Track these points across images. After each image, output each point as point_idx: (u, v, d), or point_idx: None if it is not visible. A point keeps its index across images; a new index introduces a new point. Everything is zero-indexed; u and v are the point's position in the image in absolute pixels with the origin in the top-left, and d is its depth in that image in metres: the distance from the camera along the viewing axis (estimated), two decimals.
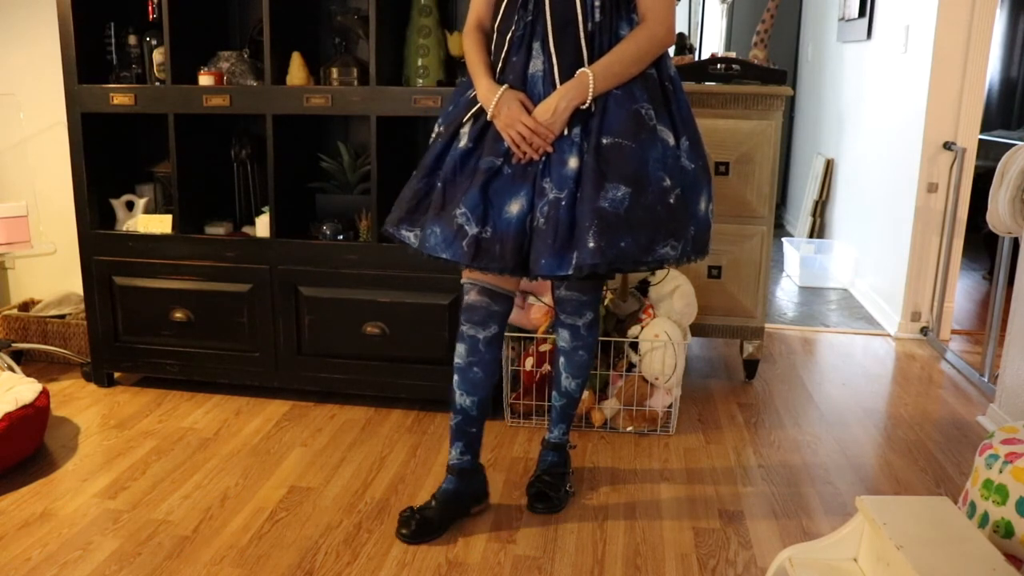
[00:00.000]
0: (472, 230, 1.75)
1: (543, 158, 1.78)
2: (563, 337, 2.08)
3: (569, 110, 1.76)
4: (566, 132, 1.77)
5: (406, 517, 1.96)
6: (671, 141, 1.81)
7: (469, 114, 1.84)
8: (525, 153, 1.78)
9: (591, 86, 1.75)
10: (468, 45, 1.91)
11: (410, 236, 1.87)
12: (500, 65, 1.85)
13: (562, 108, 1.75)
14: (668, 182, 1.77)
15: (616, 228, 1.71)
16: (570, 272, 1.72)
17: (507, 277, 1.87)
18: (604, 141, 1.75)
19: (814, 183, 5.16)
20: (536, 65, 1.81)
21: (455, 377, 1.97)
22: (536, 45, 1.80)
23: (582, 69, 1.76)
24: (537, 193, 1.77)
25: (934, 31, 3.32)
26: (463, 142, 1.83)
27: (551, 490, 2.10)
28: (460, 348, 1.95)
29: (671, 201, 1.77)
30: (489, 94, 1.81)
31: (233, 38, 2.87)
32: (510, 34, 1.83)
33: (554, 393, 2.17)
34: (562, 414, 2.18)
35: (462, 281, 1.94)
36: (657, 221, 1.75)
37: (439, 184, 1.83)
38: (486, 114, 1.81)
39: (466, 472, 2.03)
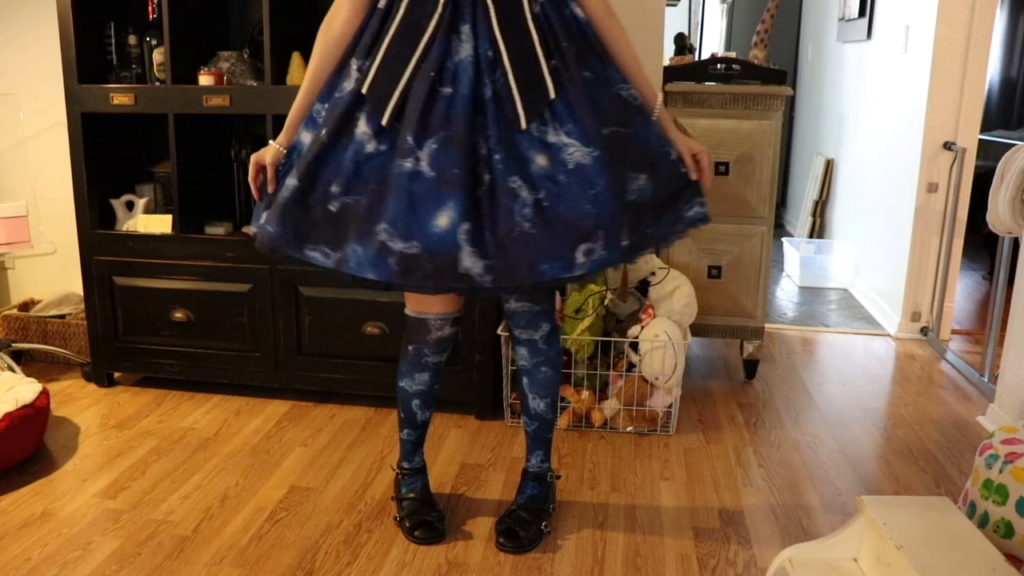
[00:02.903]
0: (396, 246, 1.56)
1: (486, 155, 1.59)
2: (521, 355, 1.91)
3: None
4: (523, 127, 1.59)
5: (421, 520, 1.97)
6: (640, 103, 1.73)
7: (388, 112, 1.61)
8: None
9: (660, 99, 1.76)
10: (318, 46, 1.72)
11: (317, 256, 1.66)
12: (420, 53, 1.61)
13: (675, 129, 1.76)
14: (674, 152, 1.73)
15: (643, 216, 1.66)
16: (584, 272, 1.60)
17: (458, 297, 1.85)
18: (604, 130, 1.63)
19: (814, 183, 5.16)
20: (466, 50, 1.60)
21: (415, 401, 1.95)
22: (465, 29, 1.60)
23: (659, 94, 1.76)
24: (504, 194, 1.57)
25: (934, 31, 3.32)
26: (369, 145, 1.62)
27: (522, 528, 1.92)
28: (423, 376, 1.92)
29: (682, 169, 1.73)
30: (282, 140, 1.73)
31: (233, 38, 2.87)
32: (436, 18, 1.60)
33: (524, 418, 1.99)
34: (536, 439, 2.00)
35: (423, 316, 1.85)
36: (675, 192, 1.71)
37: (351, 196, 1.62)
38: (384, 111, 1.61)
39: (426, 468, 2.09)
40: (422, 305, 1.85)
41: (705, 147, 1.77)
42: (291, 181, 1.68)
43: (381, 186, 1.60)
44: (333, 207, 1.64)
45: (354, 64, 1.68)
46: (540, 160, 1.60)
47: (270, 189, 1.75)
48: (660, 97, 1.76)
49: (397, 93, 1.61)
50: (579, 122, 1.61)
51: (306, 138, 1.74)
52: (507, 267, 1.58)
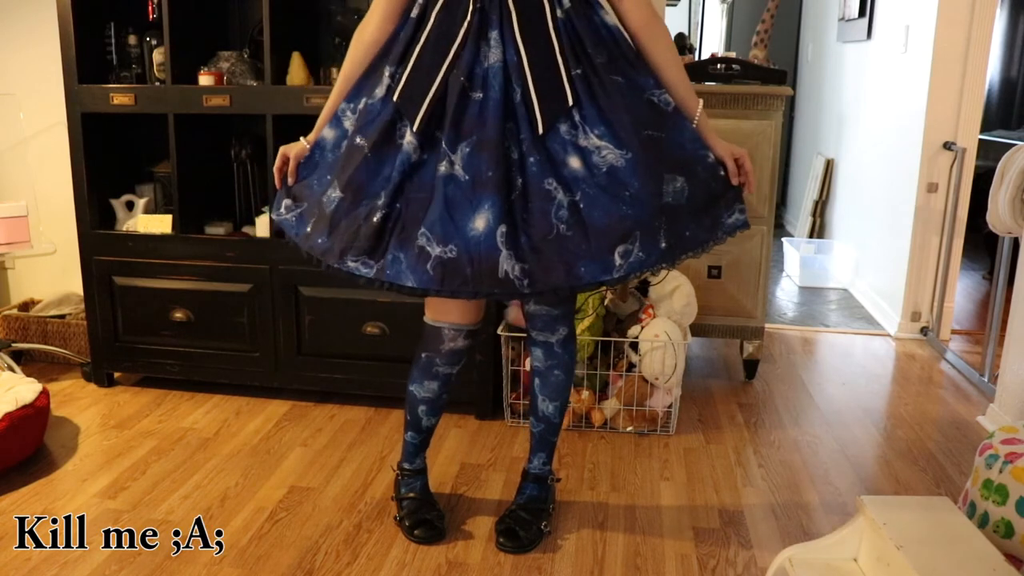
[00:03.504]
0: (435, 251, 1.57)
1: (518, 159, 1.61)
2: (536, 356, 1.92)
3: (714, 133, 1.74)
4: (540, 131, 1.60)
5: (421, 520, 1.97)
6: (672, 108, 1.72)
7: (418, 119, 1.63)
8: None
9: (701, 105, 1.73)
10: (351, 51, 1.75)
11: (359, 267, 1.65)
12: (450, 59, 1.63)
13: (715, 135, 1.74)
14: (712, 156, 1.70)
15: (680, 219, 1.63)
16: (622, 275, 1.59)
17: (481, 309, 1.85)
18: (641, 132, 1.62)
19: (814, 183, 5.16)
20: (495, 56, 1.61)
21: (422, 407, 1.94)
22: (494, 35, 1.62)
23: (700, 101, 1.73)
24: (539, 197, 1.59)
25: (934, 31, 3.32)
26: (415, 155, 1.64)
27: (523, 527, 1.93)
28: (432, 384, 1.90)
29: (721, 173, 1.70)
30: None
31: (233, 38, 2.87)
32: (465, 24, 1.62)
33: (531, 418, 1.99)
34: (541, 442, 2.00)
35: (439, 325, 1.83)
36: (715, 196, 1.68)
37: (396, 205, 1.64)
38: (415, 117, 1.63)
39: (426, 469, 2.09)
40: (439, 313, 1.84)
41: (746, 150, 1.74)
42: (334, 193, 1.69)
43: (425, 194, 1.62)
44: (376, 217, 1.63)
45: (387, 71, 1.70)
46: (573, 163, 1.60)
47: (290, 181, 1.80)
48: (701, 103, 1.74)
49: (428, 99, 1.63)
50: (611, 125, 1.62)
51: (328, 135, 1.77)
52: (545, 271, 1.58)
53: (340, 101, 1.76)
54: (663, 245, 1.61)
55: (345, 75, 1.77)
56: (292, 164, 1.79)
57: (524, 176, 1.60)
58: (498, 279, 1.57)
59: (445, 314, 1.83)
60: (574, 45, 1.64)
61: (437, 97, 1.63)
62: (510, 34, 1.62)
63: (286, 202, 1.80)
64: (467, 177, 1.59)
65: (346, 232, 1.66)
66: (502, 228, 1.56)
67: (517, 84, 1.61)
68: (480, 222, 1.57)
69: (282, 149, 1.81)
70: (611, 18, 1.70)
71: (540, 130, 1.60)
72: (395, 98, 1.66)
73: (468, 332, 1.85)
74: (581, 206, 1.59)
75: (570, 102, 1.61)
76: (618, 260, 1.58)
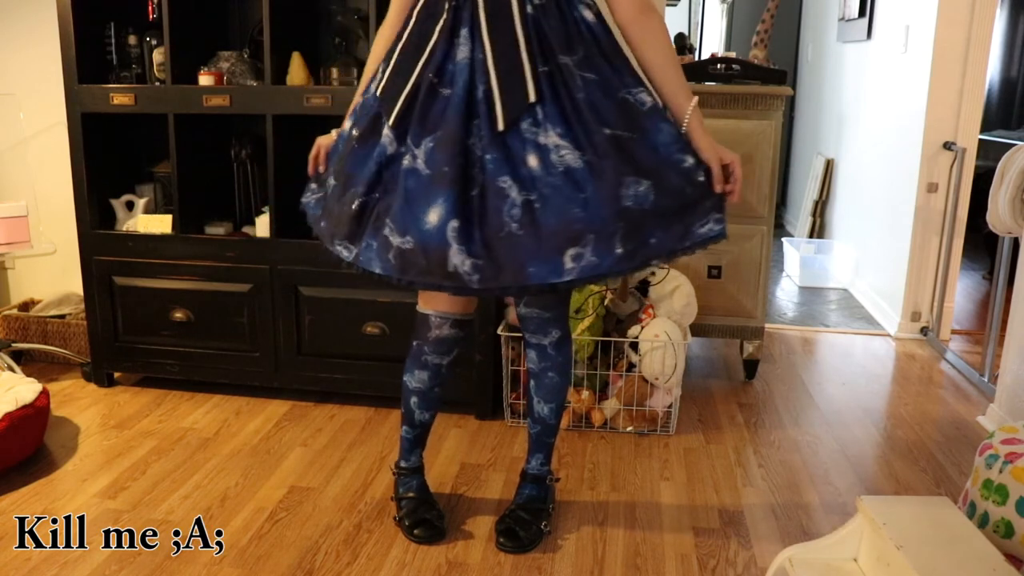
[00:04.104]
0: (395, 241, 1.62)
1: (481, 156, 1.60)
2: (531, 358, 1.93)
3: (707, 132, 1.67)
4: (500, 128, 1.59)
5: (420, 519, 1.97)
6: (669, 115, 1.66)
7: (393, 114, 1.66)
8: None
9: (693, 104, 1.66)
10: (372, 49, 1.85)
11: (342, 251, 1.74)
12: (426, 57, 1.65)
13: (709, 136, 1.66)
14: (691, 160, 1.63)
15: (643, 225, 1.58)
16: (572, 279, 1.58)
17: (471, 300, 1.85)
18: (605, 132, 1.59)
19: (814, 183, 5.16)
20: (462, 53, 1.63)
21: (413, 399, 1.94)
22: (463, 32, 1.63)
23: (695, 98, 1.66)
24: (493, 194, 1.59)
25: (934, 31, 3.32)
26: (391, 147, 1.68)
27: (522, 527, 1.93)
28: (422, 375, 1.91)
29: (700, 178, 1.63)
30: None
31: (233, 38, 2.87)
32: (441, 23, 1.64)
33: (528, 419, 2.01)
34: (538, 443, 2.00)
35: (426, 312, 1.86)
36: (688, 203, 1.62)
37: (375, 195, 1.69)
38: (391, 112, 1.66)
39: (423, 468, 2.08)
40: (427, 301, 1.87)
41: (737, 156, 1.69)
42: (331, 180, 1.79)
43: (396, 185, 1.67)
44: (355, 205, 1.69)
45: (380, 68, 1.76)
46: (532, 161, 1.59)
47: (321, 169, 1.86)
48: (694, 101, 1.67)
49: (403, 95, 1.66)
50: (572, 125, 1.60)
51: (345, 126, 1.83)
52: (495, 268, 1.58)
53: (360, 94, 1.83)
54: (619, 251, 1.58)
55: (366, 70, 1.85)
56: (322, 153, 1.87)
57: (484, 173, 1.60)
58: (448, 272, 1.58)
59: (432, 302, 1.85)
60: (543, 42, 1.62)
61: (412, 93, 1.66)
62: (479, 31, 1.63)
63: (311, 187, 1.89)
64: (427, 171, 1.61)
65: (335, 217, 1.75)
66: (453, 223, 1.57)
67: (481, 81, 1.61)
68: (433, 216, 1.59)
69: (317, 139, 1.88)
70: (591, 13, 1.66)
71: (500, 127, 1.59)
72: (378, 93, 1.71)
73: (455, 321, 1.86)
74: (536, 206, 1.57)
75: (532, 99, 1.59)
76: (568, 263, 1.57)
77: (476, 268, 1.58)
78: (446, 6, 1.64)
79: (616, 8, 1.68)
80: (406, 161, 1.64)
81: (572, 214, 1.56)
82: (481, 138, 1.61)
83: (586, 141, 1.59)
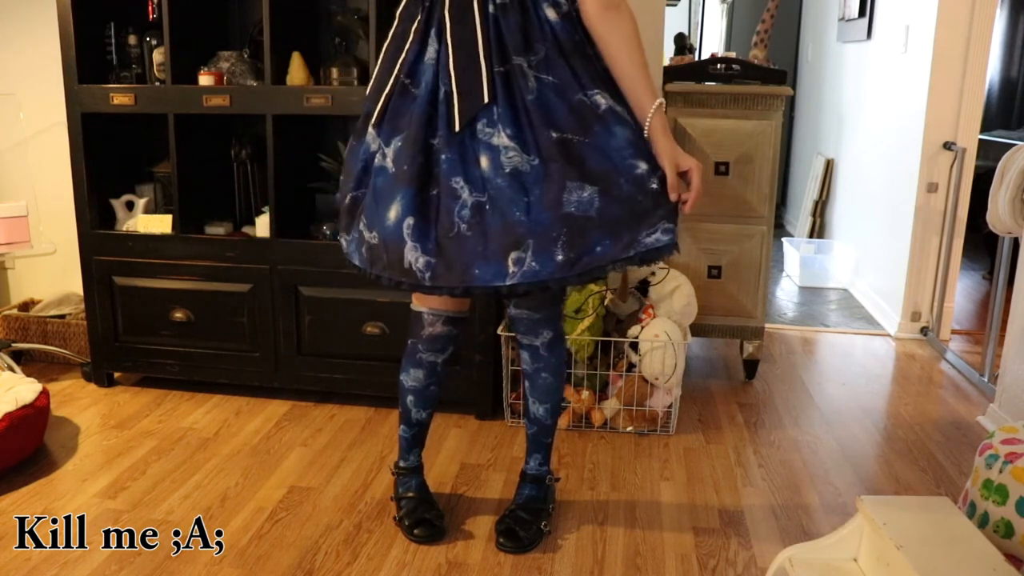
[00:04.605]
0: (366, 236, 1.71)
1: (441, 157, 1.63)
2: (524, 359, 1.92)
3: (670, 136, 1.63)
4: (456, 128, 1.61)
5: (420, 519, 1.96)
6: (628, 118, 1.62)
7: (375, 114, 1.72)
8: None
9: (656, 106, 1.62)
10: None
11: (343, 242, 1.83)
12: (403, 57, 1.68)
13: (670, 140, 1.62)
14: (644, 166, 1.58)
15: (588, 232, 1.56)
16: (515, 283, 1.57)
17: (462, 298, 1.83)
18: (553, 135, 1.57)
19: (814, 183, 5.16)
20: (429, 53, 1.66)
21: (410, 397, 1.94)
22: (433, 32, 1.65)
23: (659, 100, 1.61)
24: (446, 194, 1.61)
25: (934, 31, 3.32)
26: (373, 145, 1.73)
27: (522, 527, 1.92)
28: (417, 373, 1.91)
29: (653, 186, 1.58)
30: None
31: (233, 38, 2.87)
32: (415, 24, 1.68)
33: (525, 420, 2.01)
34: (535, 443, 2.00)
35: (419, 310, 1.86)
36: (639, 212, 1.57)
37: (362, 191, 1.77)
38: (374, 112, 1.72)
39: (422, 468, 2.08)
40: (420, 299, 1.88)
41: (699, 164, 1.64)
42: (346, 179, 1.85)
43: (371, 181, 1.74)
44: (347, 199, 1.78)
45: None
46: (483, 161, 1.61)
47: None
48: (657, 103, 1.63)
49: (383, 96, 1.72)
50: (522, 128, 1.60)
51: None
52: (446, 267, 1.62)
53: None
54: (560, 258, 1.57)
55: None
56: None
57: (441, 173, 1.64)
58: (404, 269, 1.65)
59: (425, 299, 1.86)
60: (501, 42, 1.61)
61: (389, 94, 1.71)
62: (444, 31, 1.65)
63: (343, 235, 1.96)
64: (392, 169, 1.67)
65: (342, 212, 1.83)
66: (409, 220, 1.63)
67: (444, 81, 1.64)
68: (392, 213, 1.65)
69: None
70: (555, 12, 1.63)
71: (456, 127, 1.61)
72: (367, 93, 1.78)
73: (448, 318, 1.87)
74: (486, 207, 1.59)
75: (486, 100, 1.59)
76: (511, 267, 1.58)
77: (428, 266, 1.62)
78: (421, 7, 1.69)
79: (582, 3, 1.64)
80: (378, 159, 1.71)
81: (514, 217, 1.58)
82: (440, 137, 1.65)
83: (533, 144, 1.58)
